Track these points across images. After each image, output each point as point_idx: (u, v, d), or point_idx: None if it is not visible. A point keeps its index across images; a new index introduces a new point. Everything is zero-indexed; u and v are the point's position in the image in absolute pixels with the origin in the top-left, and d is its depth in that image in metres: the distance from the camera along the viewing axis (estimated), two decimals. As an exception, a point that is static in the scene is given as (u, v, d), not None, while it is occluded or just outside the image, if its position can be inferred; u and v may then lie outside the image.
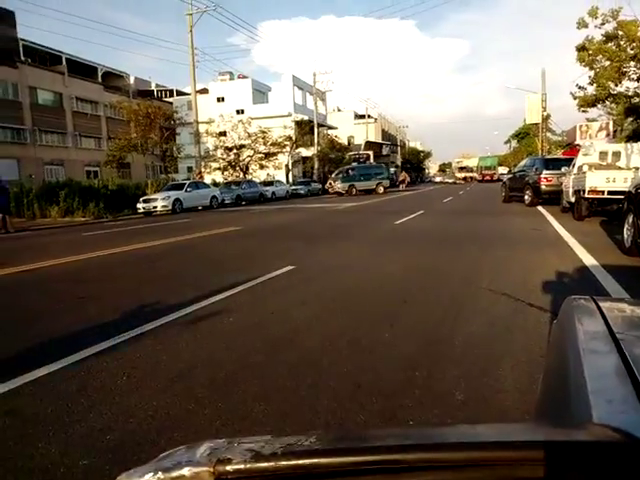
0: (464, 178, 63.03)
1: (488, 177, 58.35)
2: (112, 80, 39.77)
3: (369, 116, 61.99)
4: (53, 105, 32.98)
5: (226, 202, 24.64)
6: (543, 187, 15.40)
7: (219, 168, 31.99)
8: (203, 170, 29.62)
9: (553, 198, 15.01)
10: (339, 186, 31.58)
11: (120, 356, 3.25)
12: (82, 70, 36.28)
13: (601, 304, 1.02)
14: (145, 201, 20.57)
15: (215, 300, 4.67)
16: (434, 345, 3.25)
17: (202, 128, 29.97)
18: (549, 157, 19.66)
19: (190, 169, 35.57)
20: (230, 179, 30.89)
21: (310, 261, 6.93)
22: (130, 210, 21.01)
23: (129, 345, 3.46)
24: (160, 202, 20.27)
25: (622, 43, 15.97)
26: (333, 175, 33.69)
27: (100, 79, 38.21)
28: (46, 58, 34.37)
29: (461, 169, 69.63)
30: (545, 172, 15.44)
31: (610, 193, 9.92)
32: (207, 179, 29.35)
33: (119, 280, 6.17)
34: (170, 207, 20.29)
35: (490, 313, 3.94)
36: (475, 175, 63.81)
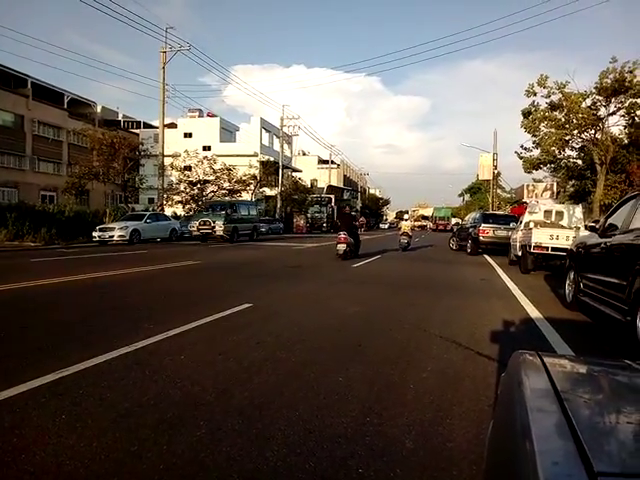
0: (420, 226, 65.62)
1: (442, 227, 61.22)
2: (78, 107, 39.26)
3: (332, 162, 63.81)
4: (13, 127, 32.05)
5: (186, 235, 24.25)
6: (481, 238, 16.86)
7: (181, 201, 31.66)
8: (165, 202, 29.23)
9: (490, 249, 16.52)
10: (220, 228, 21.92)
11: (61, 392, 3.09)
12: (48, 95, 35.67)
13: (546, 360, 1.08)
14: (102, 230, 19.96)
15: (168, 335, 4.55)
16: (386, 391, 3.28)
17: (167, 161, 29.81)
18: (487, 213, 21.30)
19: (152, 200, 34.98)
20: (192, 213, 30.52)
21: (268, 299, 6.89)
22: (85, 238, 20.30)
23: (72, 380, 3.30)
24: (117, 232, 19.71)
25: (565, 113, 17.37)
26: (203, 211, 24.05)
27: (66, 105, 37.63)
28: (10, 80, 33.65)
29: (422, 218, 72.47)
30: (483, 225, 16.83)
31: (554, 249, 10.56)
32: (168, 211, 28.90)
33: (67, 310, 5.89)
34: (127, 237, 19.75)
35: (441, 360, 4.04)
36: (430, 224, 66.66)
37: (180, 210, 31.62)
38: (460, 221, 27.46)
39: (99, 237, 19.62)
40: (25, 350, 4.07)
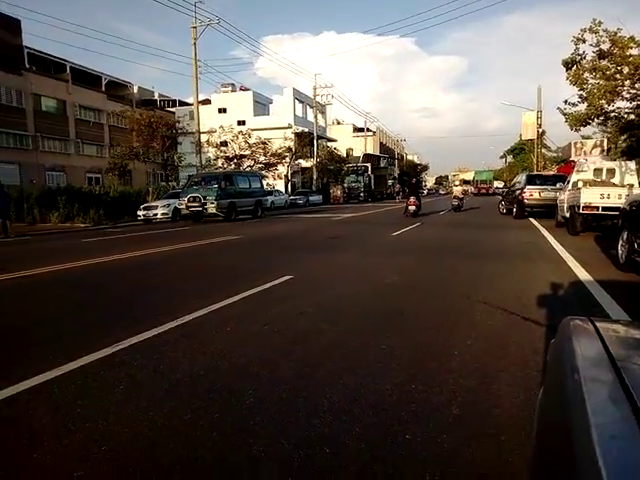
0: (464, 191, 63.65)
1: (484, 190, 59.40)
2: (116, 89, 40.05)
3: (368, 129, 62.50)
4: (56, 112, 33.17)
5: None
6: (525, 201, 16.03)
7: (219, 177, 32.11)
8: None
9: (537, 212, 15.72)
10: (212, 205, 18.69)
11: (117, 364, 3.27)
12: (86, 79, 36.56)
13: (598, 325, 1.02)
14: (146, 208, 20.65)
15: (213, 308, 4.69)
16: (430, 358, 3.27)
17: (204, 138, 30.14)
18: (533, 174, 20.40)
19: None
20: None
21: (309, 271, 6.95)
22: (130, 217, 21.07)
23: (126, 354, 3.47)
24: (160, 210, 20.38)
25: (614, 61, 16.03)
26: (193, 186, 19.90)
27: (104, 88, 38.49)
28: (50, 66, 34.67)
29: (464, 182, 70.25)
30: (528, 187, 16.04)
31: (604, 209, 10.02)
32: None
33: (118, 287, 6.18)
34: (170, 215, 20.37)
35: (485, 326, 3.97)
36: (471, 188, 64.45)
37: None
38: (503, 184, 27.01)
39: (144, 215, 20.33)
40: (81, 326, 4.31)
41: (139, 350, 3.55)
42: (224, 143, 32.48)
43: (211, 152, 32.51)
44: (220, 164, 31.99)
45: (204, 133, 30.29)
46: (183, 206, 19.33)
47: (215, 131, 32.22)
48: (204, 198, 18.66)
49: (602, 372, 0.79)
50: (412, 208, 18.38)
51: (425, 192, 75.91)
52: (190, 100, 36.62)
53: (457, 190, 23.70)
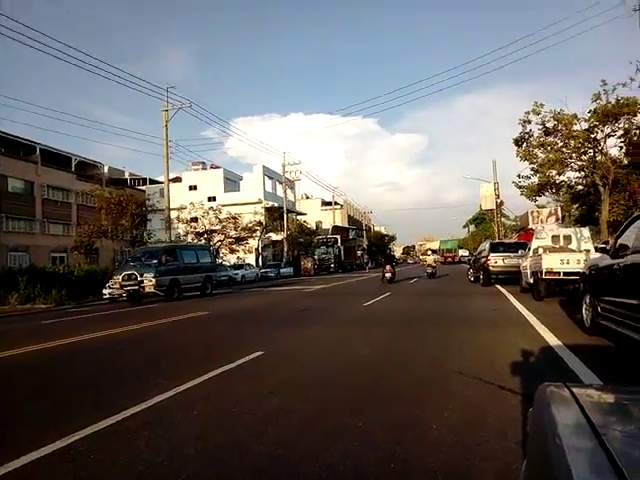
0: (435, 260, 65.33)
1: (450, 259, 61.01)
2: (86, 169, 40.42)
3: (336, 203, 64.50)
4: (23, 193, 32.95)
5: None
6: (490, 268, 16.41)
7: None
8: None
9: (503, 278, 16.07)
10: (150, 283, 16.58)
11: (71, 458, 2.99)
12: (56, 160, 36.85)
13: (575, 391, 1.02)
14: (111, 287, 19.99)
15: (180, 390, 4.44)
16: (408, 433, 3.15)
17: (174, 215, 30.26)
18: (495, 242, 21.14)
19: (159, 254, 35.17)
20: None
21: (280, 346, 6.78)
22: (96, 296, 20.33)
23: (84, 444, 3.19)
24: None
25: (560, 136, 17.63)
26: (130, 262, 18.49)
27: (74, 168, 38.77)
28: (20, 148, 34.91)
29: (431, 252, 72.13)
30: (491, 255, 16.54)
31: (565, 274, 10.39)
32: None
33: (80, 370, 5.81)
34: (136, 293, 19.75)
35: (461, 397, 3.89)
36: (438, 257, 66.19)
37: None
38: (468, 252, 28.37)
39: (109, 294, 19.65)
40: (34, 415, 3.99)
41: (98, 439, 3.28)
42: (194, 219, 32.65)
43: (181, 228, 32.53)
44: (190, 239, 31.92)
45: (174, 210, 30.48)
46: (117, 285, 17.22)
47: (185, 208, 32.47)
48: (141, 275, 16.76)
49: (584, 440, 0.78)
50: (388, 275, 20.51)
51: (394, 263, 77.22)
52: (161, 178, 37.12)
53: (430, 259, 25.67)
